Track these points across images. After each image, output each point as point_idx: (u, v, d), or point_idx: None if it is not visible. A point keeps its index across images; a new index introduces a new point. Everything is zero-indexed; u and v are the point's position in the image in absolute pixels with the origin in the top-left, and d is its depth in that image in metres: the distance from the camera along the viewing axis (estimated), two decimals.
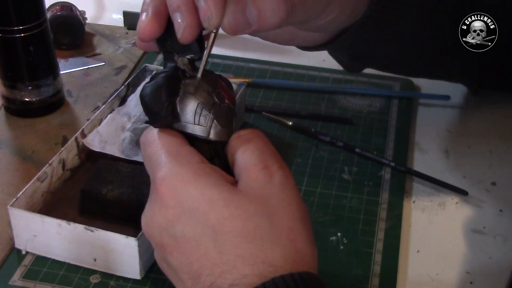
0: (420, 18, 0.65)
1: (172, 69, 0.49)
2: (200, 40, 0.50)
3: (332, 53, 0.68)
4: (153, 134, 0.48)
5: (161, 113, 0.47)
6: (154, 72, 0.50)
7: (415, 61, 0.72)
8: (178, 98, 0.48)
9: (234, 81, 0.76)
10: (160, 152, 0.47)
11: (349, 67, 0.71)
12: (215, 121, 0.48)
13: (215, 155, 0.49)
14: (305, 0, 0.51)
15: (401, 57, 0.70)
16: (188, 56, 0.49)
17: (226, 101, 0.50)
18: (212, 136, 0.48)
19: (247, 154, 0.46)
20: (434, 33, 0.67)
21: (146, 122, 0.49)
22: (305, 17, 0.53)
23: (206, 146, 0.49)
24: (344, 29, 0.60)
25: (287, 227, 0.43)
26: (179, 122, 0.48)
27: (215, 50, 0.89)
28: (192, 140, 0.48)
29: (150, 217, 0.46)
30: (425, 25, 0.66)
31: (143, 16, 0.48)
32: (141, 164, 0.51)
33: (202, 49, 0.50)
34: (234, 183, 0.46)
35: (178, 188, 0.44)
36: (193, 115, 0.48)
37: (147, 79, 0.51)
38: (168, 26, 0.48)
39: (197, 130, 0.48)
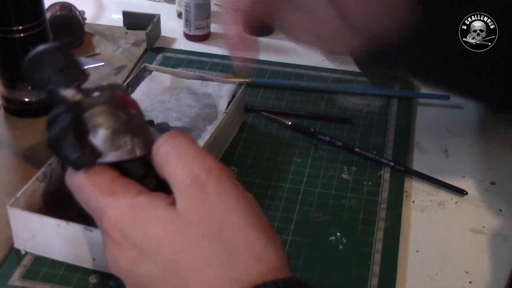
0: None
1: (69, 108, 0.47)
2: (78, 64, 0.48)
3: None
4: (80, 179, 0.47)
5: (82, 157, 0.46)
6: (49, 117, 0.48)
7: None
8: (89, 135, 0.46)
9: (234, 80, 0.76)
10: (94, 197, 0.46)
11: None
12: (135, 138, 0.47)
13: (149, 168, 0.48)
14: None
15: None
16: (74, 84, 0.47)
17: (132, 111, 0.48)
18: (138, 152, 0.47)
19: (170, 170, 0.45)
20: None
21: (70, 165, 0.47)
22: None
23: (138, 164, 0.48)
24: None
25: (240, 238, 0.42)
26: (102, 157, 0.46)
27: (216, 50, 0.90)
28: (121, 164, 0.47)
29: (114, 261, 0.45)
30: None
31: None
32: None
33: (82, 72, 0.48)
34: (174, 202, 0.44)
35: (126, 230, 0.44)
36: (112, 143, 0.46)
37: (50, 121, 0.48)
38: (40, 65, 0.47)
39: (121, 155, 0.47)
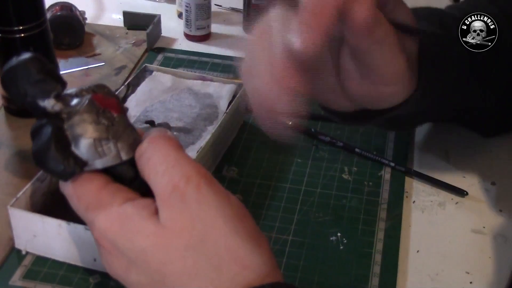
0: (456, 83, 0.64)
1: (49, 121, 0.46)
2: (54, 73, 0.48)
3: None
4: (67, 188, 0.47)
5: (66, 170, 0.46)
6: (32, 129, 0.47)
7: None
8: (72, 145, 0.46)
9: (234, 81, 0.76)
10: (82, 207, 0.46)
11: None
12: (118, 143, 0.46)
13: (137, 170, 0.47)
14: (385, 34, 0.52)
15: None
16: (53, 95, 0.46)
17: (114, 114, 0.47)
18: (124, 157, 0.47)
19: (152, 178, 0.45)
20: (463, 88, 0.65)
21: (56, 178, 0.47)
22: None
23: (126, 167, 0.47)
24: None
25: (223, 247, 0.42)
26: (88, 165, 0.46)
27: (216, 50, 0.90)
28: (109, 170, 0.47)
29: (109, 267, 0.46)
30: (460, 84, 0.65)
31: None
32: None
33: (59, 80, 0.47)
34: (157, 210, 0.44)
35: (114, 240, 0.44)
36: (96, 151, 0.46)
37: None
38: (14, 80, 0.46)
39: (107, 161, 0.46)
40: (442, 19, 0.64)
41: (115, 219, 0.44)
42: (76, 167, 0.46)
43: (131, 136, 0.48)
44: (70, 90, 0.48)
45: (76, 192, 0.46)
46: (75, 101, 0.47)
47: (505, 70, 0.65)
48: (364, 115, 0.61)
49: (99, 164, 0.46)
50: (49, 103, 0.46)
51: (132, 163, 0.47)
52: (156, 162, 0.45)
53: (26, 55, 0.47)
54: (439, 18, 0.64)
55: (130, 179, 0.48)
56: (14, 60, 0.47)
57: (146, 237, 0.43)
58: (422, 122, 0.72)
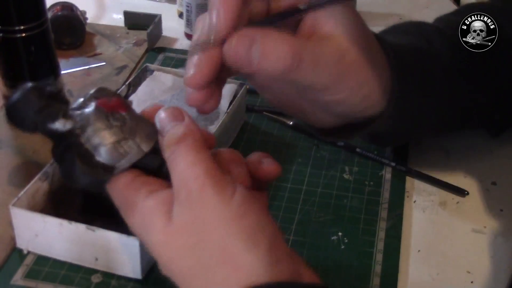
0: (440, 92, 0.62)
1: (67, 142, 0.47)
2: (55, 95, 0.48)
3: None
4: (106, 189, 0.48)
5: (97, 180, 0.47)
6: (55, 155, 0.48)
7: (436, 126, 0.68)
8: (96, 155, 0.47)
9: (235, 81, 0.76)
10: (119, 209, 0.47)
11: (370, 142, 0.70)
12: (136, 138, 0.47)
13: (162, 158, 0.48)
14: (315, 62, 0.48)
15: (421, 130, 0.68)
16: (60, 115, 0.47)
17: (122, 112, 0.48)
18: (145, 149, 0.47)
19: (172, 176, 0.46)
20: (453, 95, 0.64)
21: (92, 190, 0.48)
22: (310, 80, 0.49)
23: (151, 157, 0.48)
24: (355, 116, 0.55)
25: (219, 247, 0.43)
26: (116, 168, 0.47)
27: None
28: (137, 164, 0.48)
29: None
30: (446, 94, 0.63)
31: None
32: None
33: (62, 100, 0.48)
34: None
35: (139, 235, 0.46)
36: (118, 153, 0.47)
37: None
38: (20, 113, 0.47)
39: (132, 158, 0.47)
40: (422, 31, 0.63)
41: (138, 215, 0.46)
42: (106, 174, 0.47)
43: (145, 127, 0.49)
44: (73, 104, 0.48)
45: (112, 196, 0.48)
46: (82, 113, 0.48)
47: (502, 70, 0.65)
48: (345, 131, 0.58)
49: (125, 163, 0.47)
50: (60, 124, 0.47)
51: (155, 151, 0.48)
52: (177, 161, 0.46)
53: (23, 87, 0.48)
54: (418, 29, 0.63)
55: (157, 167, 0.49)
56: (14, 96, 0.47)
57: (155, 234, 0.44)
58: (406, 137, 0.70)
